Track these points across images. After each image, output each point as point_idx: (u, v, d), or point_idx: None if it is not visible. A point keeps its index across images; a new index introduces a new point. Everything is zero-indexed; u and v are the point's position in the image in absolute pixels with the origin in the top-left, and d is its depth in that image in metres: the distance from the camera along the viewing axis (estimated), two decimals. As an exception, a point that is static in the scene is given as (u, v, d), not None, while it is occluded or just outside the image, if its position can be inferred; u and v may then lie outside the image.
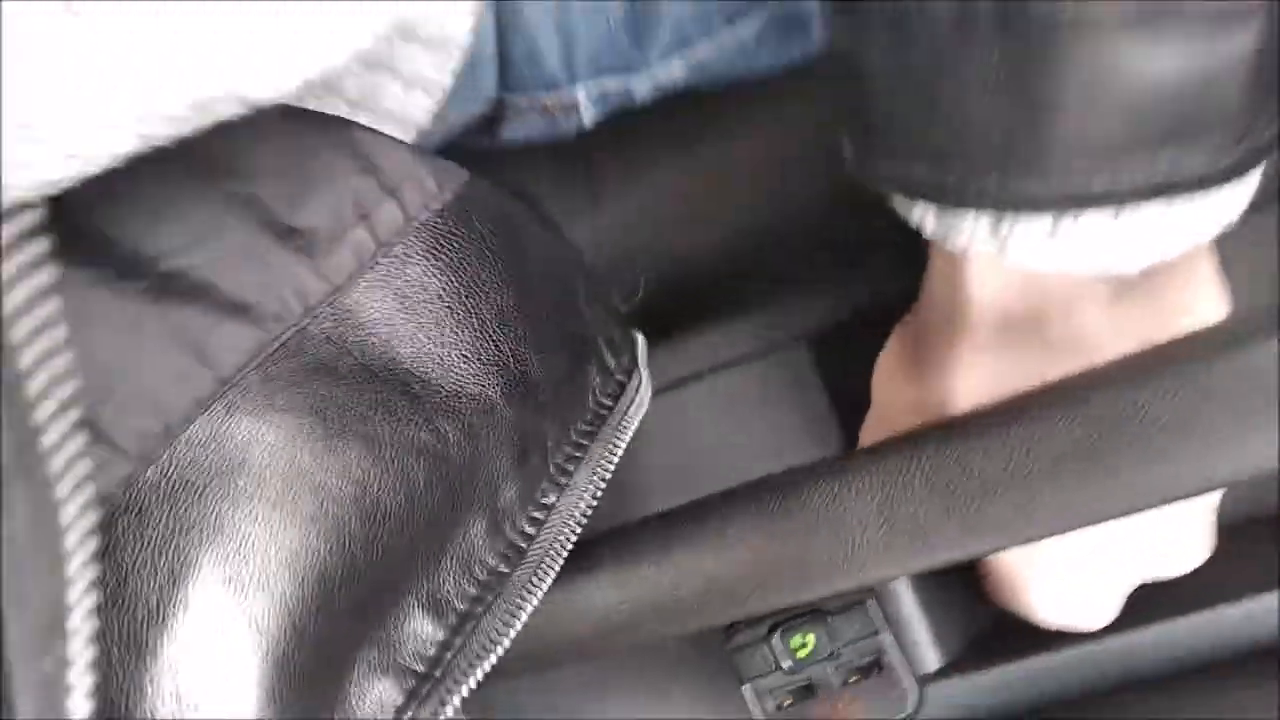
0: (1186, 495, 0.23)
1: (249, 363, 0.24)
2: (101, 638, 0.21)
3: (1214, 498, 0.31)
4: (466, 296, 0.28)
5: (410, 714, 0.27)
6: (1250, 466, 0.22)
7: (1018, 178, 0.23)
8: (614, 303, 0.36)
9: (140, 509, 0.23)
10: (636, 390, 0.33)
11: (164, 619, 0.23)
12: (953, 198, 0.25)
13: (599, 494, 0.31)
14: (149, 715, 0.22)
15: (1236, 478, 0.23)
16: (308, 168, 0.27)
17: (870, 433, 0.33)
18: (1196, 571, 0.36)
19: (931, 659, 0.36)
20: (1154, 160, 0.23)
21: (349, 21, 0.23)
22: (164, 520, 0.23)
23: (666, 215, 0.38)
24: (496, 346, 0.29)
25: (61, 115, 0.19)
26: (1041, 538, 0.25)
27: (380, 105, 0.32)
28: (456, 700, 0.28)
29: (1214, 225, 0.25)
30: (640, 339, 0.35)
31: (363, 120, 0.31)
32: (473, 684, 0.28)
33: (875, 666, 0.32)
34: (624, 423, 0.32)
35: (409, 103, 0.33)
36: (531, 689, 0.40)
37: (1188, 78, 0.22)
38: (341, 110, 0.31)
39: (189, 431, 0.23)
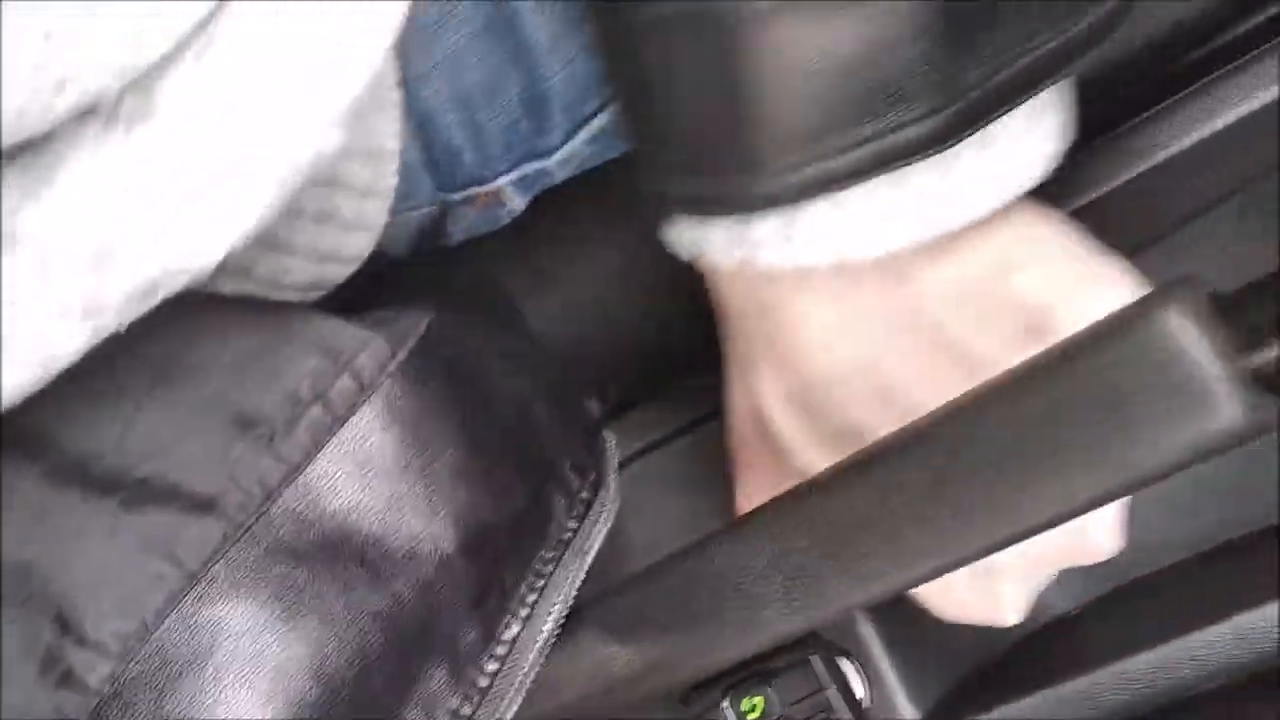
0: (1046, 520, 0.23)
1: (215, 555, 0.26)
2: None
3: (1034, 566, 0.32)
4: (421, 456, 0.29)
5: None
6: (1102, 489, 0.22)
7: (750, 178, 0.25)
8: (585, 413, 0.37)
9: (125, 700, 0.25)
10: (604, 506, 0.34)
11: None
12: (698, 206, 0.26)
13: (562, 621, 0.31)
14: None
15: (1090, 500, 0.22)
16: (268, 361, 0.28)
17: (741, 483, 0.35)
18: (1186, 590, 0.35)
19: (907, 710, 0.35)
20: (859, 135, 0.24)
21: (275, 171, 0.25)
22: (147, 707, 0.25)
23: (612, 293, 0.40)
24: (451, 502, 0.30)
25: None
26: (918, 578, 0.25)
27: (341, 216, 0.35)
28: None
29: (969, 200, 0.26)
30: (611, 444, 0.36)
31: (330, 232, 0.34)
32: None
33: (822, 723, 0.32)
34: (586, 547, 0.33)
35: (365, 210, 0.35)
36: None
37: (869, 47, 0.23)
38: (308, 228, 0.34)
39: (164, 625, 0.25)
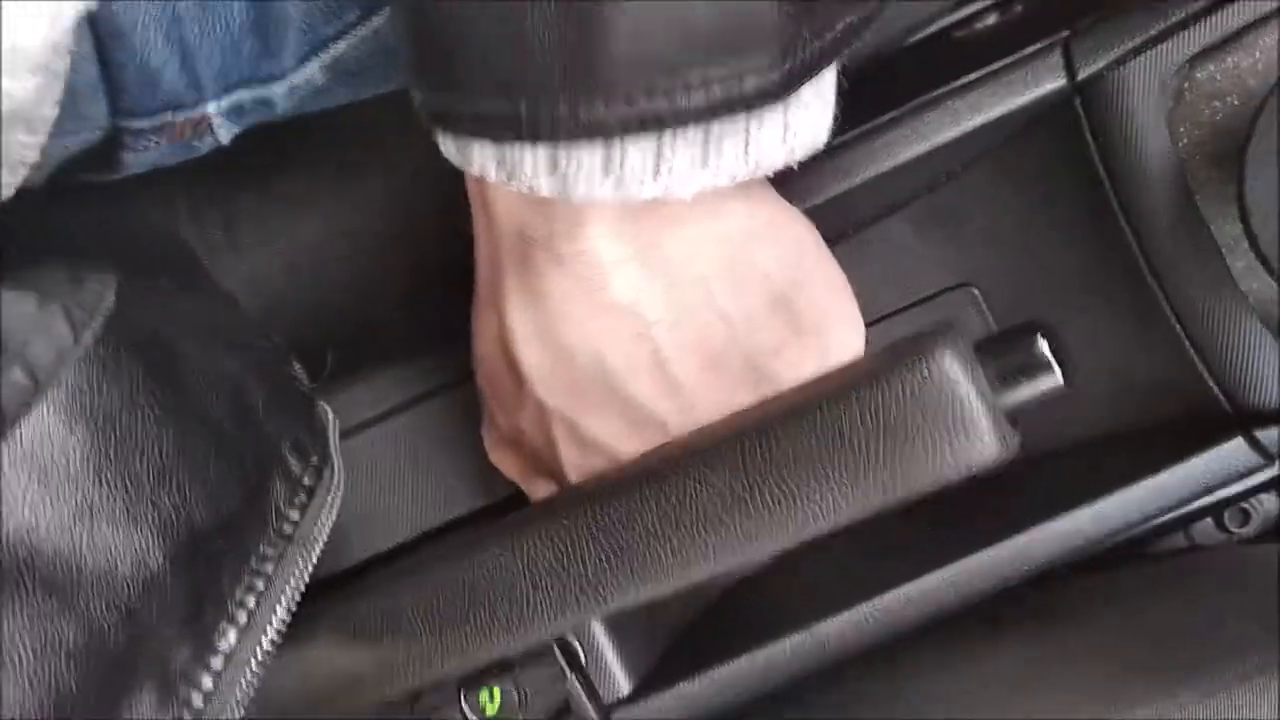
0: (816, 534, 0.25)
1: None
2: None
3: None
4: (116, 459, 0.25)
5: None
6: (875, 502, 0.24)
7: (584, 102, 0.24)
8: (297, 385, 0.34)
9: None
10: (329, 491, 0.32)
11: None
12: (524, 129, 0.25)
13: (283, 629, 0.29)
14: None
15: (863, 512, 0.25)
16: None
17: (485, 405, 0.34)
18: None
19: (623, 683, 0.37)
20: (704, 78, 0.24)
21: None
22: None
23: (307, 263, 0.36)
24: (155, 506, 0.26)
25: None
26: (698, 581, 0.26)
27: None
28: None
29: (773, 152, 0.28)
30: (330, 417, 0.34)
31: None
32: None
33: (565, 711, 0.32)
34: (314, 535, 0.31)
35: (10, 141, 0.29)
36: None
37: None
38: None
39: None
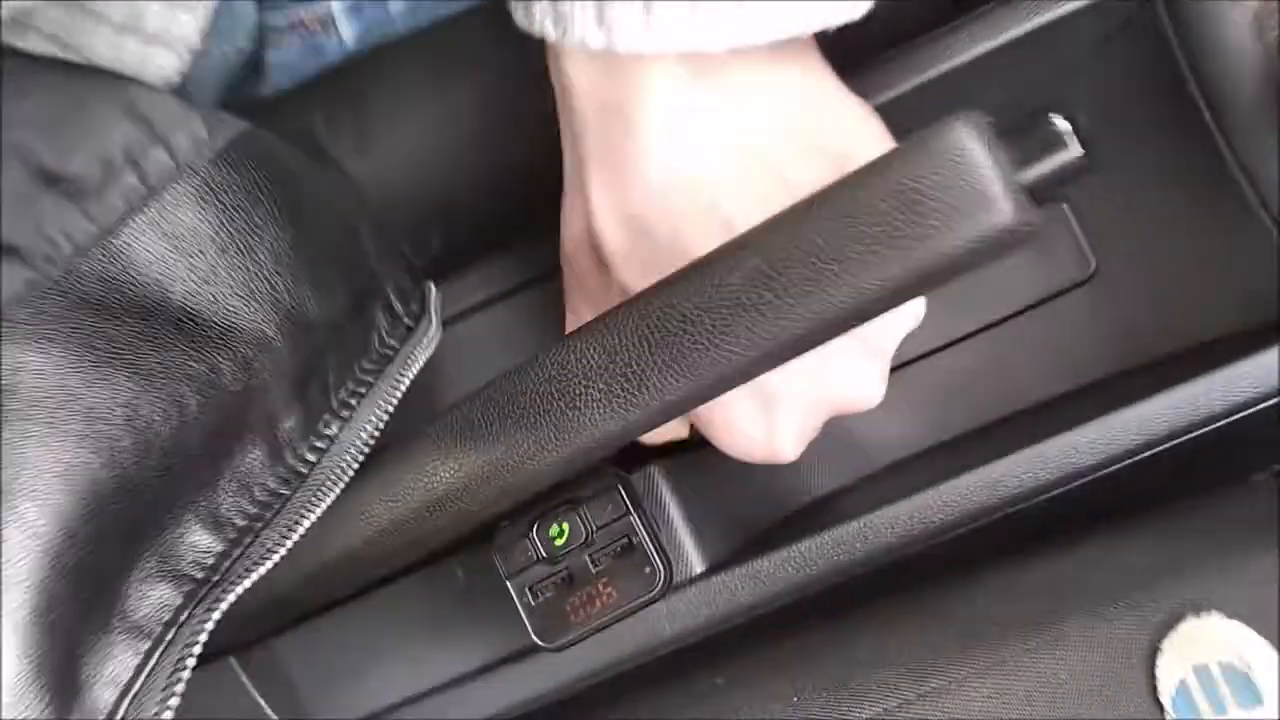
0: (846, 317, 0.26)
1: (16, 300, 0.26)
2: None
3: (887, 342, 0.35)
4: (239, 239, 0.30)
5: (188, 613, 0.29)
6: (901, 278, 0.26)
7: None
8: (404, 253, 0.38)
9: None
10: (425, 334, 0.35)
11: None
12: None
13: (381, 426, 0.33)
14: None
15: (893, 290, 0.26)
16: (76, 118, 0.28)
17: (569, 296, 0.37)
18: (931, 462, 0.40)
19: (697, 564, 0.38)
20: None
21: None
22: None
23: (429, 158, 0.40)
24: (272, 286, 0.30)
25: None
26: (737, 369, 0.27)
27: (146, 27, 0.33)
28: (231, 599, 0.30)
29: (794, 19, 0.29)
30: (433, 289, 0.37)
31: (132, 44, 0.33)
32: (248, 584, 0.30)
33: (628, 549, 0.34)
34: (409, 363, 0.34)
35: (173, 22, 0.34)
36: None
37: None
38: (108, 36, 0.33)
39: None
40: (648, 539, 0.34)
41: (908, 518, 0.36)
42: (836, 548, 0.37)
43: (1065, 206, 0.42)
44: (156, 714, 0.27)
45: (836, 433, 0.40)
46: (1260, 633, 0.29)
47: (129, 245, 0.27)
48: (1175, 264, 0.40)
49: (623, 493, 0.34)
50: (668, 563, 0.34)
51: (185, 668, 0.28)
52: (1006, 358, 0.42)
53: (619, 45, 0.29)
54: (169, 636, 0.28)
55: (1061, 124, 0.25)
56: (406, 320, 0.35)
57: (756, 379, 0.33)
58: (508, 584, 0.34)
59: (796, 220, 0.26)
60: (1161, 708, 0.30)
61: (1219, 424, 0.35)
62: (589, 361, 0.29)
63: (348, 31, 0.38)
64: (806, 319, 0.26)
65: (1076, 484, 0.36)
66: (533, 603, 0.34)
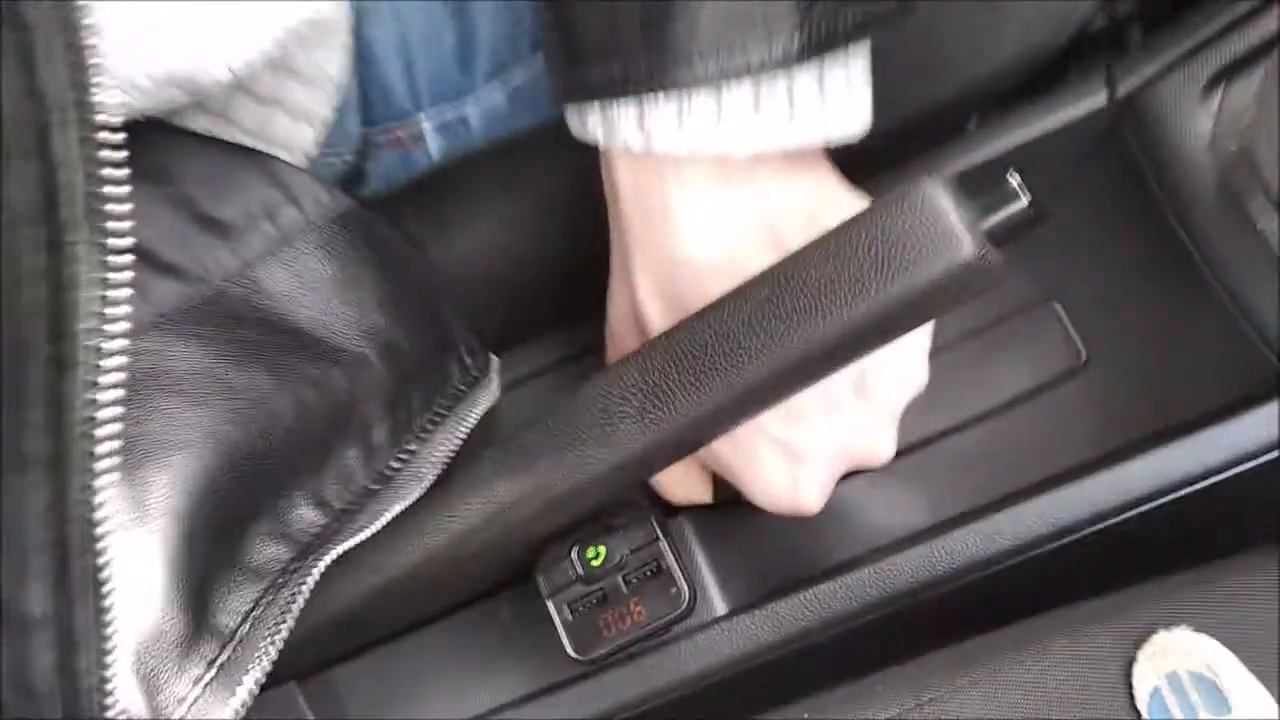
0: (841, 342, 0.31)
1: (178, 306, 0.33)
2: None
3: (895, 402, 0.39)
4: (349, 282, 0.37)
5: (296, 566, 0.35)
6: (883, 313, 0.31)
7: (659, 64, 0.33)
8: (473, 324, 0.44)
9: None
10: (487, 388, 0.42)
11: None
12: (617, 88, 0.34)
13: (453, 452, 0.39)
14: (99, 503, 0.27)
15: (875, 325, 0.31)
16: (227, 179, 0.36)
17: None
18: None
19: (720, 605, 0.42)
20: (743, 43, 0.32)
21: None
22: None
23: (497, 253, 0.47)
24: (373, 323, 0.37)
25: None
26: (755, 388, 0.32)
27: (274, 136, 0.41)
28: (328, 560, 0.35)
29: (811, 125, 0.35)
30: (494, 358, 0.44)
31: (260, 148, 0.41)
32: (344, 548, 0.35)
33: (657, 572, 0.38)
34: (475, 405, 0.41)
35: (295, 133, 0.42)
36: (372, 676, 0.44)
37: None
38: (243, 141, 0.40)
39: (138, 344, 0.30)
40: (675, 564, 0.38)
41: (914, 565, 0.40)
42: (850, 592, 0.40)
43: (1056, 304, 0.47)
44: (269, 639, 0.32)
45: (850, 509, 0.45)
46: (1225, 644, 0.32)
47: (264, 277, 0.35)
48: (1159, 351, 0.45)
49: (654, 522, 0.38)
50: (693, 586, 0.38)
51: (292, 609, 0.33)
52: (1006, 442, 0.46)
53: (656, 146, 0.35)
54: (281, 581, 0.34)
55: (1014, 181, 0.31)
56: (474, 372, 0.41)
57: (783, 438, 0.38)
58: (548, 603, 0.38)
59: (797, 262, 0.32)
60: (1139, 713, 0.32)
61: (1198, 485, 0.39)
62: (625, 382, 0.34)
63: (435, 146, 0.45)
64: (807, 341, 0.32)
65: (1068, 539, 0.39)
66: (570, 619, 0.38)
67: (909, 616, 0.40)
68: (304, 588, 0.34)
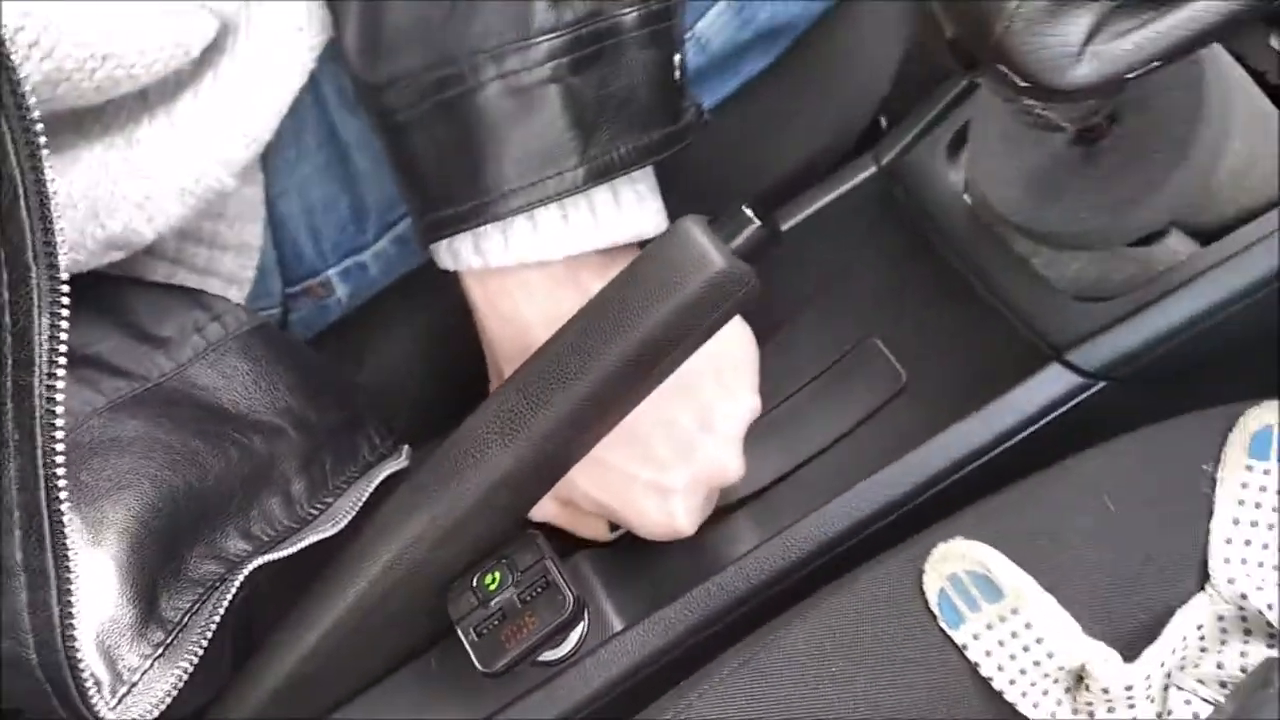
0: (641, 353, 0.40)
1: (125, 396, 0.42)
2: None
3: (734, 429, 0.47)
4: (265, 374, 0.47)
5: (226, 576, 0.43)
6: (658, 334, 0.40)
7: (482, 204, 0.43)
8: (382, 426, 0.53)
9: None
10: (396, 460, 0.50)
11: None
12: (454, 226, 0.44)
13: (359, 504, 0.47)
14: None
15: (659, 337, 0.40)
16: (165, 306, 0.46)
17: None
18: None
19: (616, 623, 0.48)
20: (541, 176, 0.42)
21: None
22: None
23: (410, 369, 0.56)
24: (286, 403, 0.47)
25: None
26: (588, 399, 0.41)
27: (212, 286, 0.51)
28: (252, 567, 0.43)
29: (614, 230, 0.45)
30: (406, 449, 0.52)
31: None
32: (265, 560, 0.43)
33: (545, 586, 0.44)
34: (379, 474, 0.49)
35: (229, 294, 0.51)
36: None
37: (549, 128, 0.42)
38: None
39: (95, 421, 0.41)
40: (559, 577, 0.44)
41: (769, 556, 0.47)
42: (722, 589, 0.47)
43: (876, 339, 0.56)
44: (204, 628, 0.40)
45: (721, 533, 0.52)
46: (992, 545, 0.39)
47: (194, 375, 0.44)
48: (960, 360, 0.53)
49: (538, 544, 0.45)
50: (579, 595, 0.44)
51: (220, 607, 0.41)
52: (850, 460, 0.54)
53: (492, 263, 0.45)
54: (215, 585, 0.42)
55: (747, 211, 0.41)
56: (382, 450, 0.49)
57: (653, 480, 0.46)
58: (457, 628, 0.45)
59: (603, 295, 0.41)
60: (934, 615, 0.39)
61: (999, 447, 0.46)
62: (487, 414, 0.42)
63: (342, 291, 0.55)
64: (618, 354, 0.40)
65: (892, 516, 0.46)
66: (476, 639, 0.44)
67: (771, 600, 0.46)
68: (230, 590, 0.42)
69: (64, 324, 0.34)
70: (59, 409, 0.34)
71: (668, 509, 0.47)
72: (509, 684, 0.46)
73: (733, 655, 0.41)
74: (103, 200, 0.43)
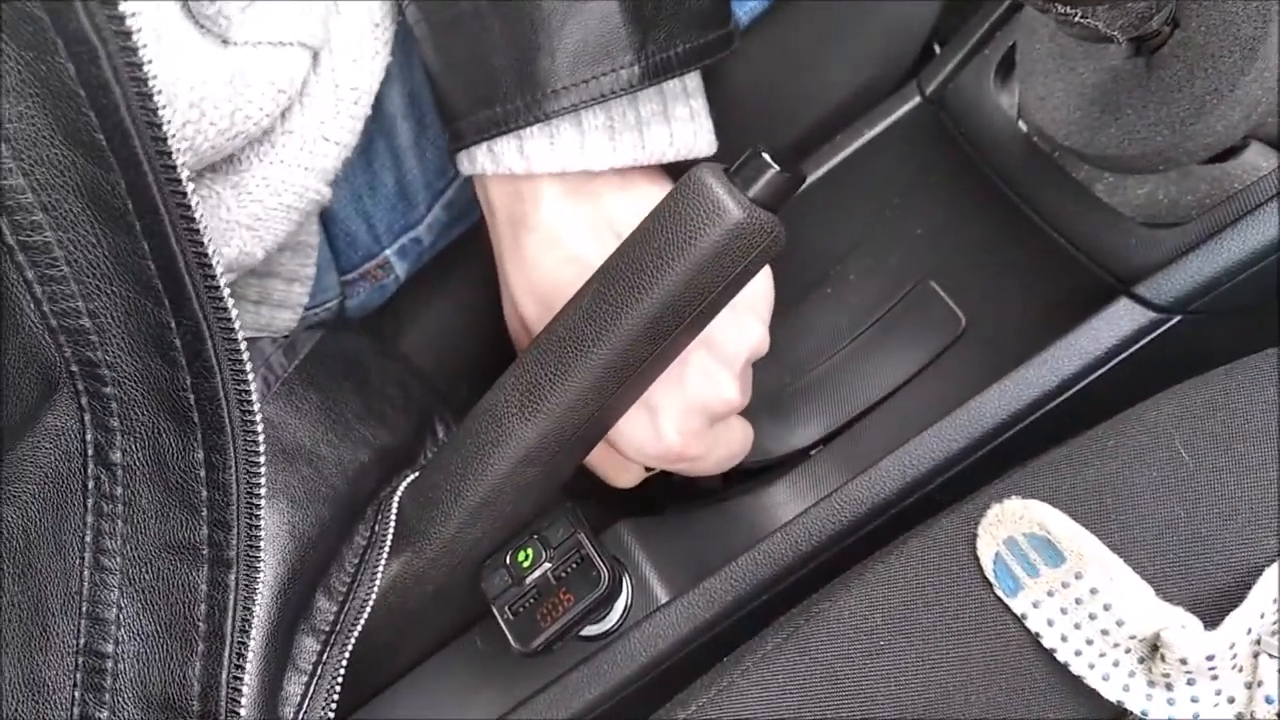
0: (663, 312, 0.37)
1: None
2: None
3: (732, 353, 0.45)
4: (332, 406, 0.46)
5: (324, 656, 0.42)
6: (680, 282, 0.37)
7: (530, 102, 0.41)
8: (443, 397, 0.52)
9: None
10: None
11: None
12: (499, 127, 0.42)
13: None
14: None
15: (679, 291, 0.37)
16: None
17: None
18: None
19: (661, 594, 0.46)
20: (595, 74, 0.40)
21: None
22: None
23: (445, 334, 0.55)
24: (359, 432, 0.46)
25: None
26: (609, 368, 0.38)
27: (272, 299, 0.50)
28: (350, 645, 0.42)
29: (659, 144, 0.43)
30: None
31: (263, 312, 0.50)
32: (359, 630, 0.42)
33: (580, 561, 0.43)
34: None
35: (290, 294, 0.51)
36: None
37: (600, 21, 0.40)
38: (248, 309, 0.50)
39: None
40: (593, 551, 0.43)
41: (818, 520, 0.44)
42: (768, 556, 0.44)
43: (932, 282, 0.52)
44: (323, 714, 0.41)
45: (761, 521, 0.49)
46: (1052, 504, 0.36)
47: (271, 414, 0.44)
48: (1021, 299, 0.49)
49: (571, 516, 0.43)
50: (612, 565, 0.42)
51: (335, 694, 0.41)
52: (910, 411, 0.51)
53: (535, 168, 0.43)
54: (318, 673, 0.41)
55: (765, 154, 0.38)
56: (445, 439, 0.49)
57: (643, 397, 0.43)
58: (493, 607, 0.43)
59: (616, 256, 0.39)
60: (989, 582, 0.36)
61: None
62: (506, 388, 0.41)
63: (400, 268, 0.54)
64: (635, 317, 0.38)
65: (952, 472, 0.43)
66: (511, 618, 0.43)
67: (823, 567, 0.44)
68: (339, 678, 0.41)
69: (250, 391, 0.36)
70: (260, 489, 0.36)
71: (655, 425, 0.45)
72: (553, 660, 0.45)
73: (776, 629, 0.39)
74: (218, 230, 0.43)
